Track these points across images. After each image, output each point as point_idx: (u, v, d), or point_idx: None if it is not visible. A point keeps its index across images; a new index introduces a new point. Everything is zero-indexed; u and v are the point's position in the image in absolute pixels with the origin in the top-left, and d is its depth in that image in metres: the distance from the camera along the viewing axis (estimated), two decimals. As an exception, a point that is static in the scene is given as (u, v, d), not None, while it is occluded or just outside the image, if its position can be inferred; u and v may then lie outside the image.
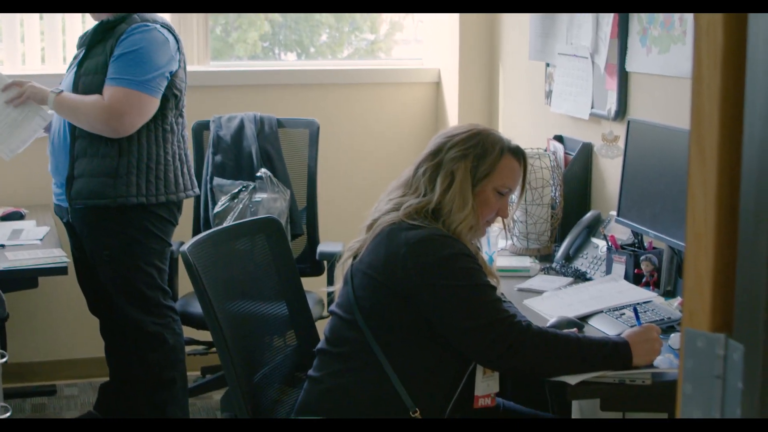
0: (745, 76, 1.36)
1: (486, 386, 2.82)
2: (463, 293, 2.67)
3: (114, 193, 4.11)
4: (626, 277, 3.54)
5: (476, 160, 2.81)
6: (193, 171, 4.42)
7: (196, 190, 4.43)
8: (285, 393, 3.08)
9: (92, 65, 4.10)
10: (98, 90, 4.06)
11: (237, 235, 3.09)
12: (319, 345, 2.91)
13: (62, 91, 4.12)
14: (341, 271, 2.89)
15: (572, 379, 2.66)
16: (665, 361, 2.77)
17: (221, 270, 2.92)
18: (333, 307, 2.90)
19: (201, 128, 4.88)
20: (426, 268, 2.68)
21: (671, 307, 3.25)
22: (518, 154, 2.90)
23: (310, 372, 2.89)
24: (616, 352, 2.68)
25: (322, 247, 4.67)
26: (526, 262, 3.90)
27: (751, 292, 1.34)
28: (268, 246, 3.13)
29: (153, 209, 4.21)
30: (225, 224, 4.50)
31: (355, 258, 2.85)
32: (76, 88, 4.12)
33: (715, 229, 1.40)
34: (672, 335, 2.98)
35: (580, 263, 3.84)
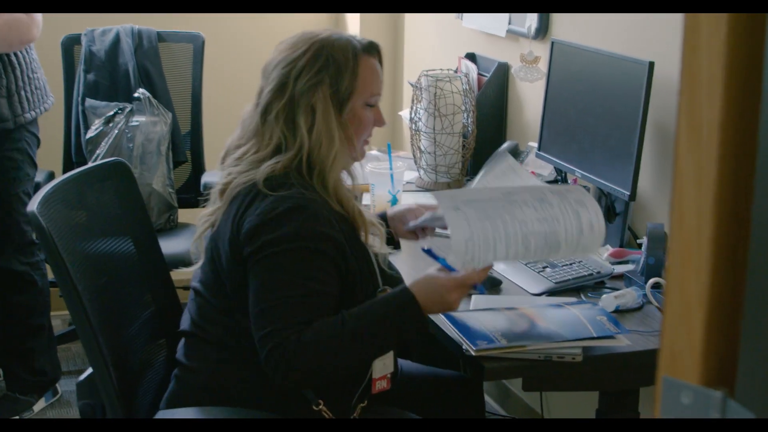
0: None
1: (382, 366, 2.39)
2: (262, 285, 2.22)
3: (11, 113, 3.76)
4: (548, 221, 3.12)
5: (333, 81, 2.31)
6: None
7: (52, 98, 4.07)
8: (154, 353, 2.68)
9: None
10: None
11: (84, 183, 2.61)
12: (185, 326, 2.45)
13: None
14: (199, 247, 2.42)
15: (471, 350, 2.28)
16: (597, 326, 2.35)
17: (71, 230, 2.45)
18: (195, 283, 2.43)
19: (71, 43, 4.43)
20: (256, 250, 2.22)
21: (600, 258, 2.84)
22: (372, 49, 2.41)
23: (180, 357, 2.44)
24: (401, 318, 2.21)
25: (207, 177, 4.22)
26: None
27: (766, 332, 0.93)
28: (116, 195, 2.70)
29: (29, 126, 3.87)
30: (98, 151, 4.09)
31: (213, 228, 2.37)
32: None
33: (714, 240, 0.99)
34: (604, 296, 2.56)
35: (496, 201, 3.41)
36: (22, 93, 3.77)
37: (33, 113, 3.83)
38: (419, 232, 2.62)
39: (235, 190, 2.31)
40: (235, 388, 2.33)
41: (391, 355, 2.39)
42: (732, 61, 0.94)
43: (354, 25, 4.91)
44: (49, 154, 4.16)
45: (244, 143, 2.37)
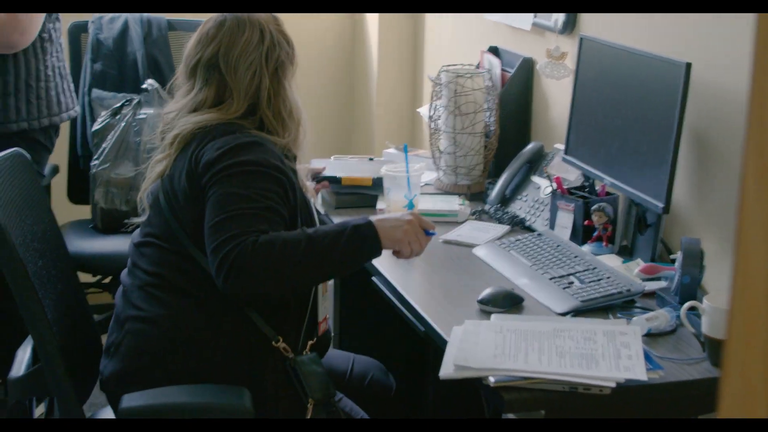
0: None
1: (324, 309, 2.54)
2: (220, 199, 2.31)
3: None
4: (574, 230, 2.92)
5: (270, 51, 2.50)
6: (72, 86, 3.90)
7: (77, 108, 3.94)
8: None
9: None
10: None
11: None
12: (133, 281, 2.47)
13: None
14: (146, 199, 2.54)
15: (493, 378, 2.09)
16: (637, 366, 2.12)
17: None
18: (142, 238, 2.49)
19: (78, 30, 4.27)
20: (215, 173, 2.34)
21: (630, 273, 2.64)
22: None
23: (131, 312, 2.44)
24: (357, 235, 2.31)
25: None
26: (454, 204, 3.25)
27: None
28: (18, 190, 2.59)
29: (31, 134, 3.67)
30: (104, 144, 3.92)
31: (163, 180, 2.46)
32: None
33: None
34: (635, 318, 2.36)
35: (518, 206, 3.20)
36: (11, 101, 3.60)
37: (24, 124, 3.64)
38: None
39: (187, 136, 2.42)
40: (199, 334, 2.37)
41: (328, 296, 2.57)
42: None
43: (373, 15, 4.71)
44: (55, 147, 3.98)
45: (199, 106, 2.49)
